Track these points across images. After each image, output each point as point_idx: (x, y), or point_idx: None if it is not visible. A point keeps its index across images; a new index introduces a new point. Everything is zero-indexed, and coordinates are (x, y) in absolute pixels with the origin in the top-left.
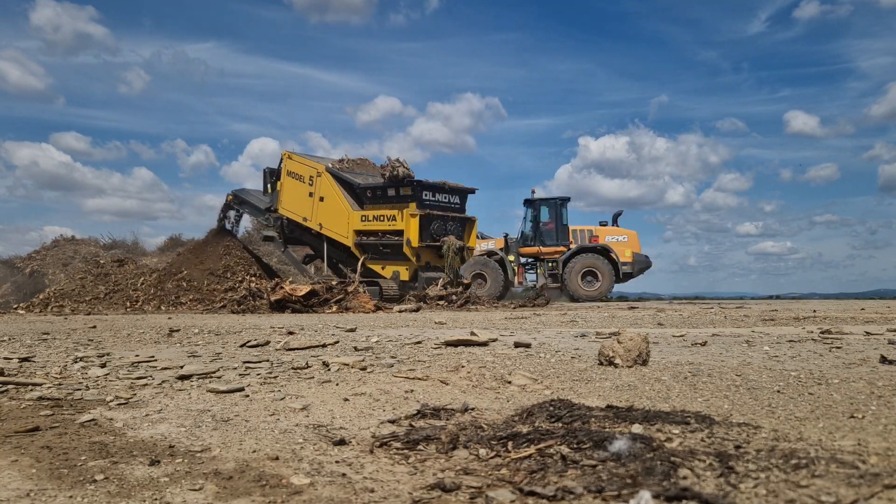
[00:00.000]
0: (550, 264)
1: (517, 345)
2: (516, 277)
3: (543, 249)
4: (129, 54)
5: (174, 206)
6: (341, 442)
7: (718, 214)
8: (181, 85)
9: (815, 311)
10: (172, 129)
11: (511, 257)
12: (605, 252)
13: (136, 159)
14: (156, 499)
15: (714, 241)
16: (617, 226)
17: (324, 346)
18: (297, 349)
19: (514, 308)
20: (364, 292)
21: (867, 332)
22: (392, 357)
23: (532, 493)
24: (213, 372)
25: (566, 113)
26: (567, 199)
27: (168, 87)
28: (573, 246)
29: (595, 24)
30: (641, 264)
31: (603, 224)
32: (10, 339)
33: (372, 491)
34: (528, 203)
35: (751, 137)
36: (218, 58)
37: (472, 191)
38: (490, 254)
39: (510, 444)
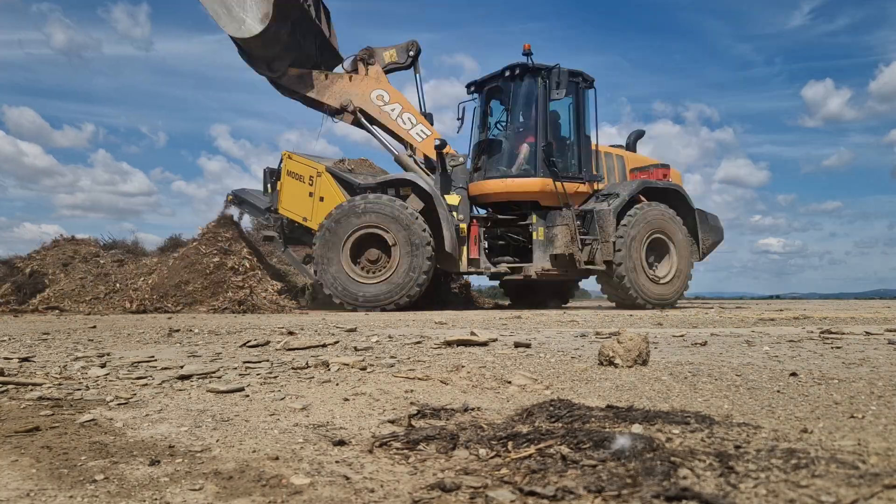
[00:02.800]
0: (580, 219)
1: (517, 345)
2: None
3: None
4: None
5: (152, 199)
6: (341, 442)
7: (726, 211)
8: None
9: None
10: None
11: None
12: (679, 200)
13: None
14: (156, 499)
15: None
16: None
17: (324, 346)
18: (298, 349)
19: (514, 308)
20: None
21: (867, 332)
22: (392, 357)
23: (532, 493)
24: (213, 372)
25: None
26: (591, 81)
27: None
28: (605, 185)
29: (627, 15)
30: (715, 233)
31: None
32: (10, 339)
33: (372, 491)
34: (509, 78)
35: (768, 133)
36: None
37: None
38: None
39: (510, 444)
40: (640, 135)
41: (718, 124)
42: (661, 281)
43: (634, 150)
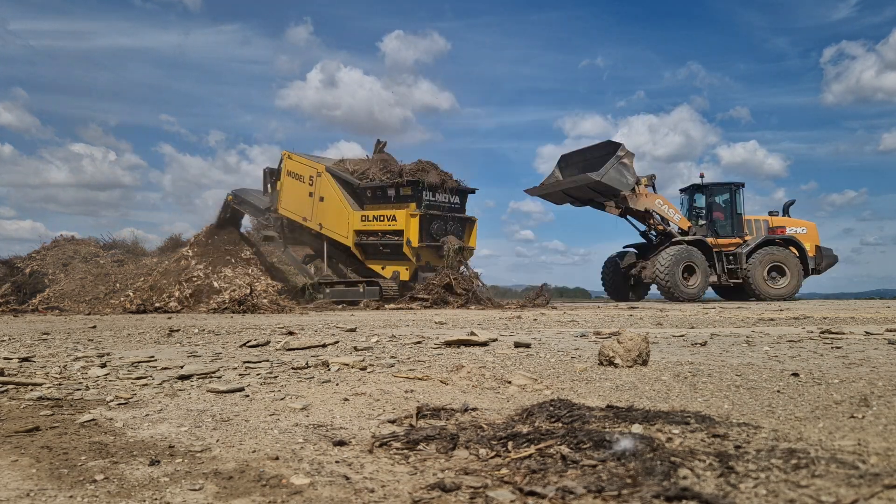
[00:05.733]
0: (729, 258)
1: (517, 345)
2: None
3: (718, 241)
4: None
5: (124, 192)
6: (341, 442)
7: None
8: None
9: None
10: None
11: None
12: (792, 244)
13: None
14: (156, 499)
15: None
16: (789, 216)
17: (324, 345)
18: (298, 349)
19: (515, 308)
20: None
21: (867, 332)
22: (392, 357)
23: (532, 493)
24: (213, 372)
25: (605, 104)
26: (741, 185)
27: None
28: (749, 238)
29: (656, 5)
30: (829, 259)
31: (773, 214)
32: (10, 339)
33: (372, 491)
34: (696, 189)
35: (790, 129)
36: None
37: (473, 191)
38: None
39: (510, 444)
40: (791, 203)
41: (736, 112)
42: (779, 287)
43: (788, 214)
